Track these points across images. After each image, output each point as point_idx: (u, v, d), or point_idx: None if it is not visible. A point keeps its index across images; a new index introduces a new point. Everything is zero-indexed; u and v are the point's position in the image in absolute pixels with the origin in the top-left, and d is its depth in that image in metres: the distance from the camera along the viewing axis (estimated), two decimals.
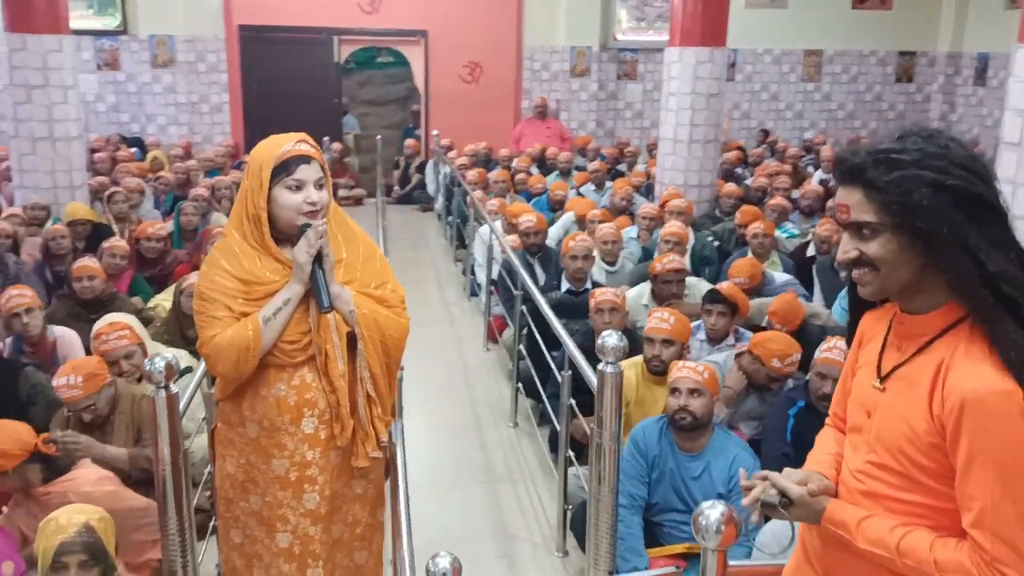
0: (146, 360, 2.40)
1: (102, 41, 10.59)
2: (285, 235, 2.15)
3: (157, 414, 2.38)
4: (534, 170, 9.15)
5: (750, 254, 5.42)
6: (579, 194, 7.86)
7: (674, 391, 3.07)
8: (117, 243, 5.32)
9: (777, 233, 6.04)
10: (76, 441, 3.12)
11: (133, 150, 9.87)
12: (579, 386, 3.23)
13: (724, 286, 4.28)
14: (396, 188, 11.06)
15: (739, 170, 9.16)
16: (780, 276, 5.17)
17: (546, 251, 5.86)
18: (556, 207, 7.42)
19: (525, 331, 4.68)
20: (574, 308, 4.65)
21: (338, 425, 2.17)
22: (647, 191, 8.08)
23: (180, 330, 4.36)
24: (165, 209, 7.56)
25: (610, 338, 2.64)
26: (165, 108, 10.86)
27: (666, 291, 4.66)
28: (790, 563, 1.70)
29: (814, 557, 1.60)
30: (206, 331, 2.10)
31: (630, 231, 6.25)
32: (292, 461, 2.17)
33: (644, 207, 6.48)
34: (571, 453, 3.49)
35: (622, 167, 9.70)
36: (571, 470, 3.51)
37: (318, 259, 2.09)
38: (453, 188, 8.59)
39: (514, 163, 9.22)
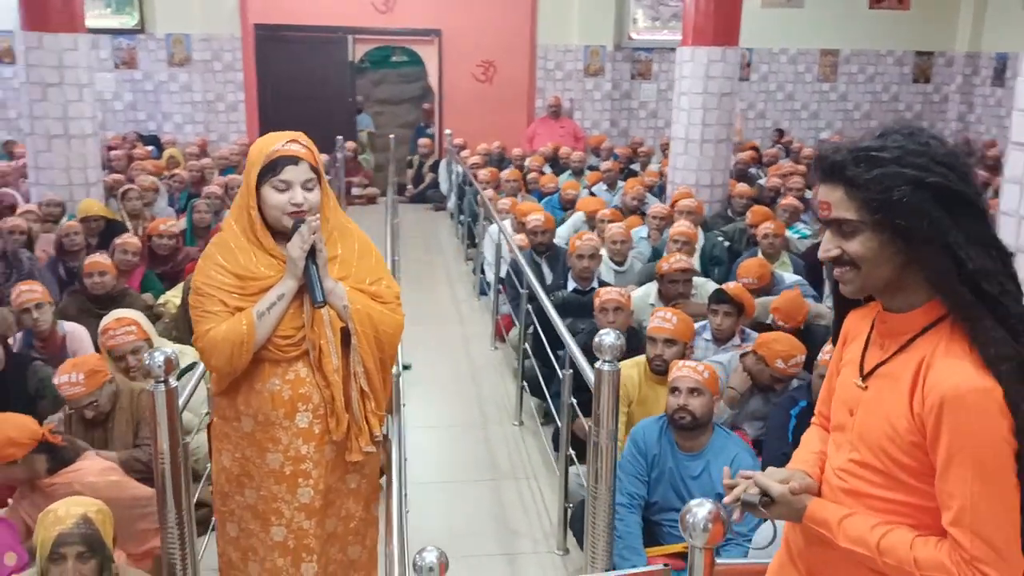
0: (145, 355, 2.42)
1: (120, 40, 10.69)
2: (281, 231, 2.16)
3: (156, 408, 2.42)
4: (547, 169, 9.15)
5: (760, 254, 5.40)
6: (591, 194, 7.86)
7: (674, 390, 3.06)
8: (129, 240, 5.37)
9: (789, 233, 6.01)
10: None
11: (150, 148, 9.95)
12: (581, 385, 3.23)
13: (730, 286, 4.27)
14: (409, 187, 11.09)
15: (753, 170, 9.12)
16: (790, 277, 5.15)
17: (554, 250, 5.86)
18: (567, 206, 7.41)
19: (531, 330, 4.69)
20: (580, 307, 4.65)
21: (333, 420, 2.18)
22: (660, 191, 8.06)
23: (189, 326, 4.38)
24: (180, 206, 7.62)
25: (607, 336, 2.65)
26: (181, 106, 10.94)
27: (673, 291, 4.65)
28: (774, 562, 1.69)
29: (797, 556, 1.60)
30: (201, 326, 2.12)
31: (640, 231, 6.24)
32: (286, 455, 2.18)
33: (654, 207, 6.47)
34: (572, 452, 3.50)
35: (635, 167, 9.69)
36: (572, 468, 3.51)
37: (311, 255, 2.10)
38: (465, 187, 8.61)
39: (526, 162, 9.23)
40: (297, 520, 2.20)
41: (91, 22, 9.68)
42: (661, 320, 3.59)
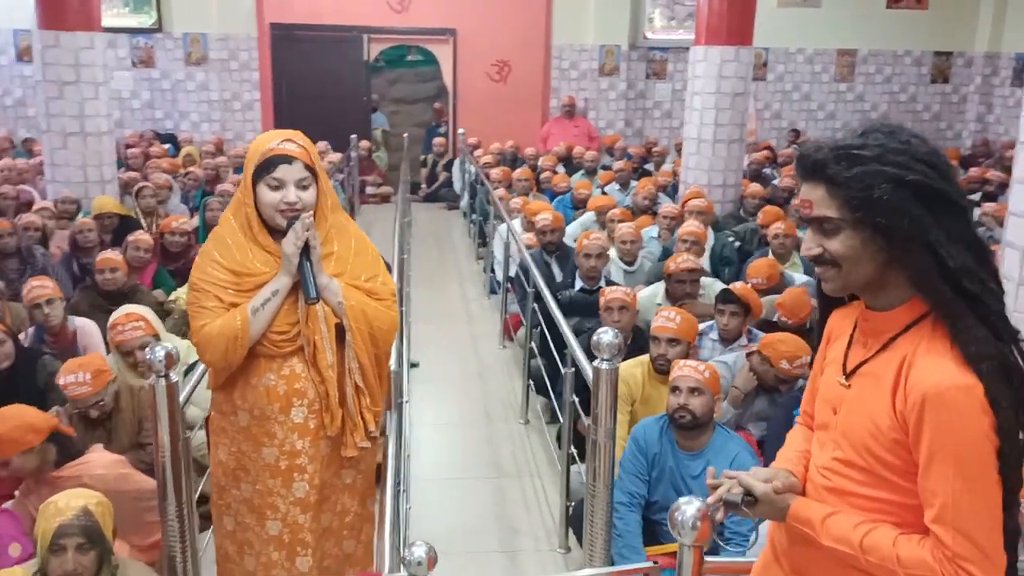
0: (147, 349, 2.45)
1: (137, 39, 10.80)
2: (277, 228, 2.18)
3: (157, 402, 2.44)
4: (560, 169, 9.15)
5: (771, 255, 5.38)
6: (604, 193, 7.85)
7: (674, 389, 3.06)
8: (141, 236, 5.42)
9: (800, 234, 5.98)
10: None
11: (167, 146, 10.05)
12: (585, 383, 3.23)
13: (737, 286, 4.25)
14: (423, 186, 11.12)
15: (767, 170, 9.08)
16: (800, 277, 5.12)
17: (564, 249, 5.86)
18: (579, 206, 7.41)
19: (538, 329, 4.70)
20: (587, 306, 4.65)
21: (327, 415, 2.20)
22: (673, 191, 8.04)
23: None
24: (194, 204, 7.68)
25: (605, 335, 2.65)
26: (198, 105, 11.05)
27: (680, 291, 4.64)
28: (758, 562, 1.69)
29: (782, 555, 1.60)
30: (197, 321, 2.15)
31: (651, 230, 6.23)
32: (282, 450, 2.20)
33: (665, 206, 6.45)
34: (574, 450, 3.50)
35: (649, 166, 9.67)
36: (574, 467, 3.51)
37: (306, 251, 2.12)
38: (477, 186, 8.63)
39: (540, 162, 9.23)
40: (292, 514, 2.22)
41: (109, 21, 9.81)
42: (665, 319, 3.58)
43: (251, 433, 2.22)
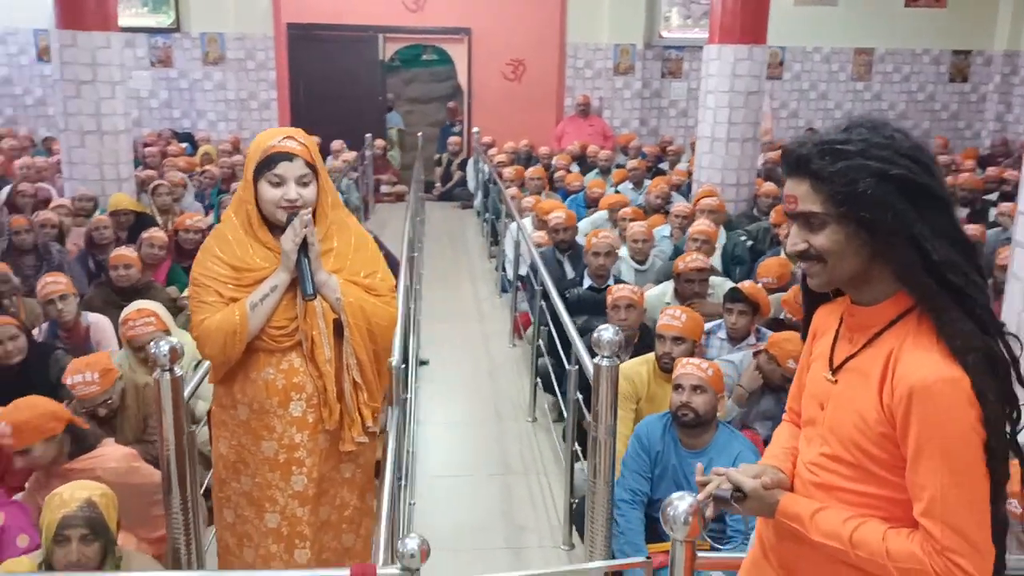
0: (151, 344, 2.48)
1: (156, 39, 10.90)
2: (278, 224, 2.21)
3: (162, 396, 2.47)
4: (574, 168, 9.15)
5: (783, 254, 5.36)
6: (617, 192, 7.84)
7: (677, 387, 3.06)
8: (156, 234, 5.48)
9: None
10: None
11: (184, 145, 10.14)
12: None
13: (745, 285, 4.24)
14: (437, 185, 11.15)
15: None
16: None
17: (577, 248, 5.86)
18: (592, 205, 7.41)
19: (546, 327, 4.70)
20: (596, 305, 4.65)
21: (325, 410, 2.22)
22: (687, 190, 8.02)
23: None
24: (210, 202, 7.75)
25: (606, 332, 2.65)
26: (215, 104, 11.13)
27: (689, 290, 4.63)
28: (747, 558, 1.70)
29: (770, 551, 1.60)
30: (197, 315, 2.18)
31: (663, 229, 6.22)
32: (281, 443, 2.23)
33: (677, 205, 6.44)
34: (579, 447, 3.50)
35: (663, 166, 9.65)
36: (577, 464, 3.52)
37: (304, 248, 2.14)
38: (490, 185, 8.65)
39: (553, 161, 9.24)
40: (291, 507, 2.25)
41: (128, 21, 9.94)
42: (670, 318, 3.58)
43: (250, 427, 2.24)
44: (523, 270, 5.89)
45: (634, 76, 11.43)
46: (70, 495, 2.36)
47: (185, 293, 5.21)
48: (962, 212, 7.03)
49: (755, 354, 3.82)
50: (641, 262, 5.53)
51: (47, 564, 2.38)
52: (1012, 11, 11.34)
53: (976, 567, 1.31)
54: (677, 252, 5.85)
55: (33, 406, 2.91)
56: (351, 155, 9.59)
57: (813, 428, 1.52)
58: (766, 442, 3.54)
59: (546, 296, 4.59)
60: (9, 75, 10.82)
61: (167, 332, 3.84)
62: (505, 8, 11.27)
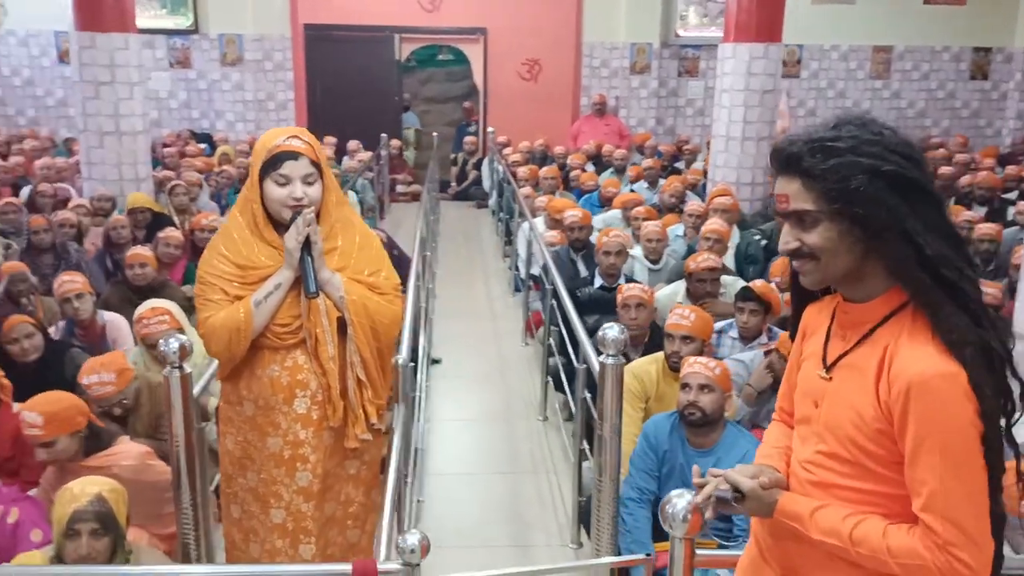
0: (160, 341, 2.51)
1: (175, 40, 11.00)
2: (284, 223, 2.23)
3: (171, 393, 2.50)
4: (589, 167, 9.15)
5: None
6: (632, 191, 7.83)
7: (684, 386, 3.06)
8: (172, 233, 5.54)
9: None
10: None
11: (202, 145, 10.23)
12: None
13: (757, 284, 4.23)
14: (453, 184, 11.18)
15: None
16: None
17: (590, 247, 5.86)
18: (607, 204, 7.40)
19: (557, 327, 4.71)
20: (607, 304, 4.65)
21: (330, 407, 2.24)
22: (703, 189, 7.99)
23: None
24: (227, 202, 7.82)
25: (611, 331, 2.66)
26: (233, 105, 11.22)
27: (700, 290, 4.62)
28: (744, 558, 1.69)
29: (767, 551, 1.60)
30: (202, 313, 2.21)
31: (676, 228, 6.21)
32: (286, 440, 2.25)
33: (691, 204, 6.43)
34: (587, 446, 3.51)
35: (680, 165, 9.62)
36: (586, 463, 3.53)
37: (307, 246, 2.16)
38: (504, 184, 8.66)
39: (568, 160, 9.24)
40: (296, 503, 2.27)
41: (147, 23, 10.04)
42: (679, 317, 3.58)
43: (256, 423, 2.27)
44: (535, 269, 5.91)
45: (650, 75, 11.41)
46: (80, 490, 2.40)
47: None
48: (980, 210, 6.96)
49: (766, 353, 3.81)
50: (655, 261, 5.53)
51: (58, 558, 2.41)
52: None
53: (976, 560, 1.31)
54: (690, 251, 5.83)
55: (60, 399, 2.97)
56: (367, 155, 9.64)
57: (807, 426, 1.51)
58: None
59: (556, 295, 4.60)
60: (31, 76, 10.97)
61: (180, 330, 3.88)
62: (521, 8, 11.28)
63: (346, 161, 9.72)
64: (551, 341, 4.73)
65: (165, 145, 9.57)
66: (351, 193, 7.81)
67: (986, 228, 5.54)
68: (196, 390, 2.61)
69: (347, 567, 1.82)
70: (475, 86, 11.94)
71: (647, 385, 3.64)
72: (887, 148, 1.35)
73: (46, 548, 2.55)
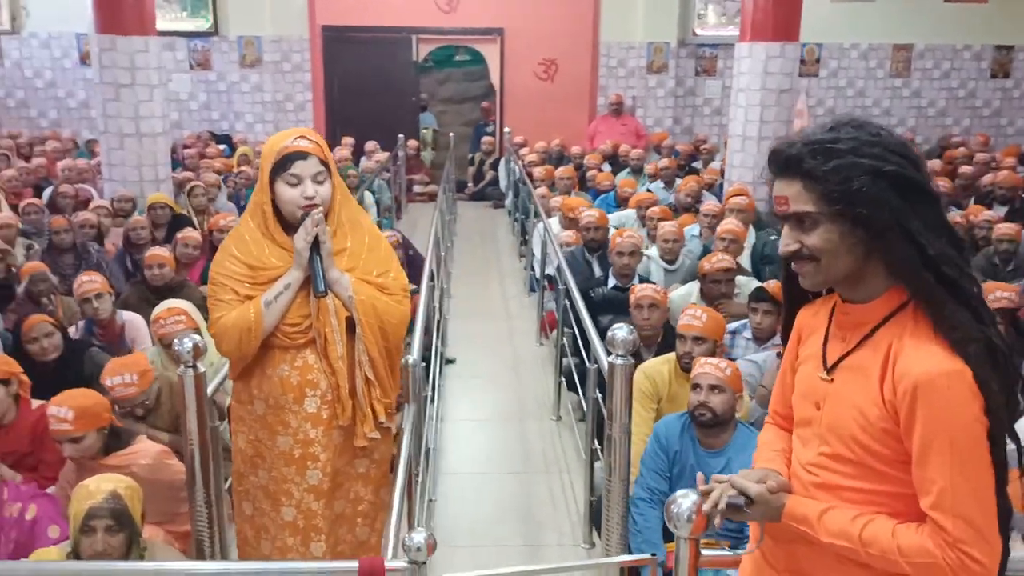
0: (175, 340, 2.55)
1: (195, 42, 11.11)
2: (296, 224, 2.26)
3: (185, 392, 2.54)
4: (606, 167, 9.15)
5: None
6: (648, 191, 7.82)
7: (695, 387, 3.06)
8: (190, 234, 5.60)
9: None
10: None
11: (222, 147, 10.32)
12: None
13: (770, 285, 4.21)
14: (470, 184, 11.21)
15: None
16: None
17: (606, 248, 5.86)
18: (623, 204, 7.40)
19: (570, 328, 4.72)
20: (621, 304, 4.65)
21: (339, 406, 2.27)
22: (719, 189, 7.97)
23: None
24: (245, 203, 7.88)
25: (620, 331, 2.66)
26: (252, 106, 11.31)
27: (715, 290, 4.61)
28: (747, 563, 1.69)
29: (770, 555, 1.60)
30: (214, 313, 2.24)
31: (692, 228, 6.20)
32: (296, 438, 2.28)
33: (707, 204, 6.41)
34: (598, 446, 3.52)
35: (697, 164, 9.60)
36: (598, 463, 3.53)
37: (316, 246, 2.19)
38: (520, 184, 8.68)
39: (585, 160, 9.23)
40: (306, 501, 2.30)
41: (167, 25, 10.14)
42: (690, 318, 3.58)
43: (267, 422, 2.30)
44: (550, 269, 5.92)
45: (668, 74, 11.38)
46: (96, 487, 2.43)
47: None
48: (1000, 210, 6.90)
49: (779, 354, 3.80)
50: (671, 262, 5.52)
51: (75, 554, 2.45)
52: None
53: (987, 556, 1.32)
54: (706, 251, 5.82)
55: (88, 395, 3.02)
56: (384, 155, 9.68)
57: (809, 428, 1.51)
58: None
59: (569, 296, 4.61)
60: (53, 78, 11.11)
61: (196, 330, 3.92)
62: (538, 8, 11.29)
63: (363, 161, 9.77)
64: (564, 341, 4.74)
65: (185, 147, 9.66)
66: (367, 194, 7.85)
67: (1006, 228, 5.49)
68: (210, 389, 2.65)
69: (354, 564, 1.84)
70: (492, 86, 11.96)
71: (659, 386, 3.64)
72: (887, 149, 1.35)
73: (63, 544, 2.59)
